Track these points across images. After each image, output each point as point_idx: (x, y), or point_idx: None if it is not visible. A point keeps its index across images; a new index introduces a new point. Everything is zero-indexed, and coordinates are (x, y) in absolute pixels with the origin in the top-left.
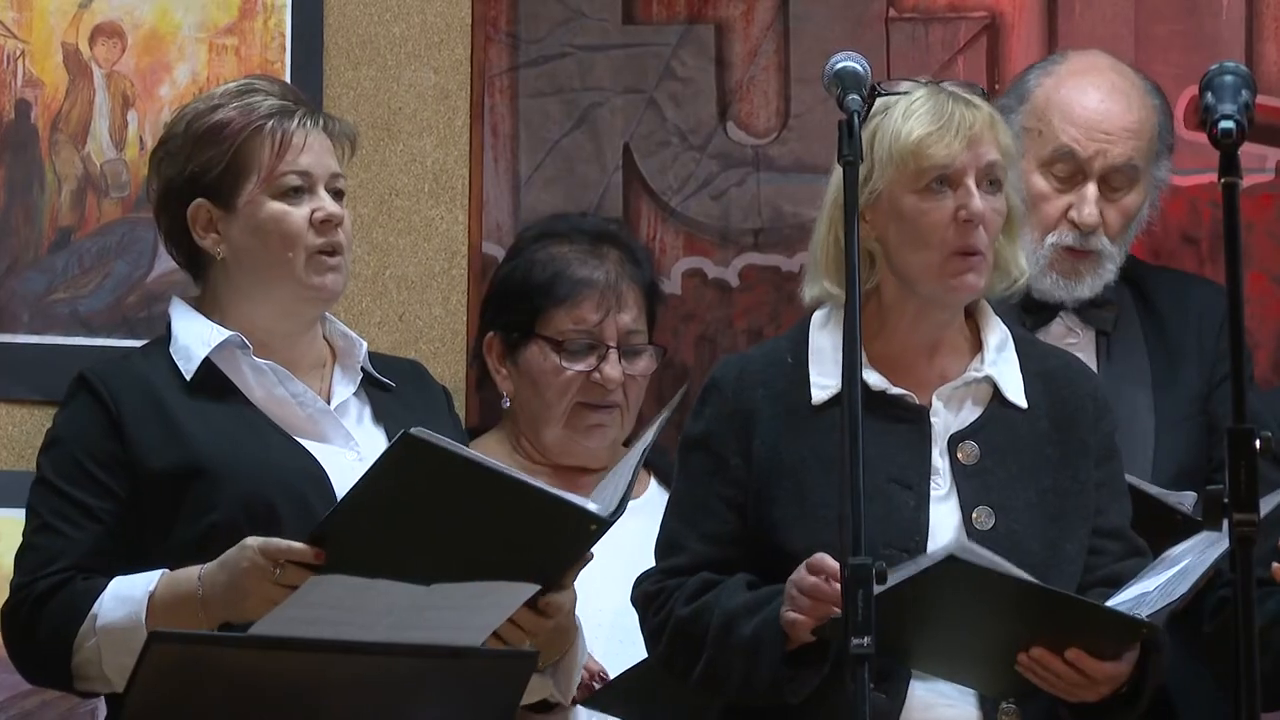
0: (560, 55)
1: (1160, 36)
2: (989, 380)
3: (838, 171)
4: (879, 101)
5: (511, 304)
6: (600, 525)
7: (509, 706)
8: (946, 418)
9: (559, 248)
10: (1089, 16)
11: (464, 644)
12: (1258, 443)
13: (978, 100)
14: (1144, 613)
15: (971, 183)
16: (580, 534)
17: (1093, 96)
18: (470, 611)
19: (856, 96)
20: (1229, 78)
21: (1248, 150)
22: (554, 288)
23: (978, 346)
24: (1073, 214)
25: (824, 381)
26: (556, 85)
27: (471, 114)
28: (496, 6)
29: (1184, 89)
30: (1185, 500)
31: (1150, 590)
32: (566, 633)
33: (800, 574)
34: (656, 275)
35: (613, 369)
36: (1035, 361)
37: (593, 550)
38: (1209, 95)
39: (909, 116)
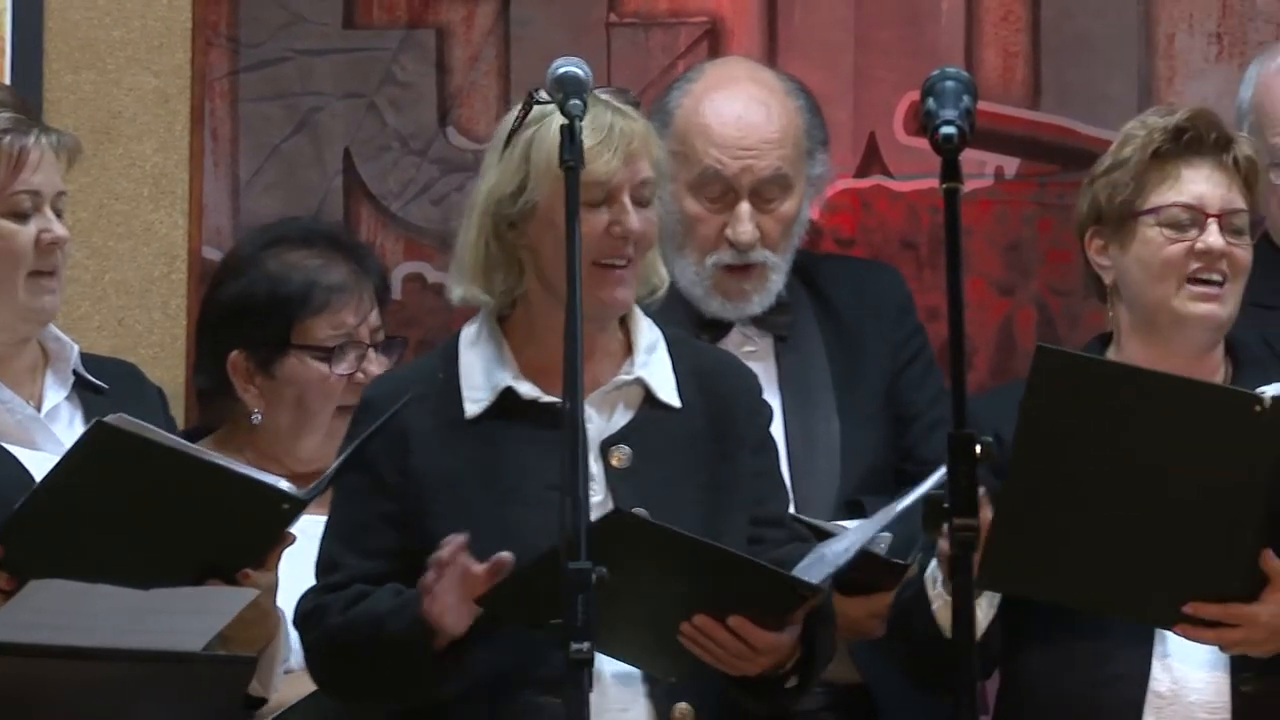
0: (281, 59)
1: (881, 42)
2: (640, 383)
3: (487, 173)
4: (535, 110)
5: (261, 319)
6: (294, 505)
7: (229, 710)
8: (599, 423)
9: (295, 256)
10: (808, 21)
11: (185, 648)
12: (978, 448)
13: (633, 112)
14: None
15: (626, 199)
16: (276, 513)
17: (730, 113)
18: (190, 616)
19: (578, 101)
20: (950, 83)
21: (967, 155)
22: (309, 297)
23: (629, 350)
24: (729, 233)
25: (476, 395)
26: (277, 89)
27: (192, 118)
28: (217, 10)
29: (904, 94)
30: (883, 541)
31: (819, 563)
32: (267, 619)
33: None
34: (385, 273)
35: (376, 367)
36: (688, 361)
37: (293, 531)
38: (930, 100)
39: None
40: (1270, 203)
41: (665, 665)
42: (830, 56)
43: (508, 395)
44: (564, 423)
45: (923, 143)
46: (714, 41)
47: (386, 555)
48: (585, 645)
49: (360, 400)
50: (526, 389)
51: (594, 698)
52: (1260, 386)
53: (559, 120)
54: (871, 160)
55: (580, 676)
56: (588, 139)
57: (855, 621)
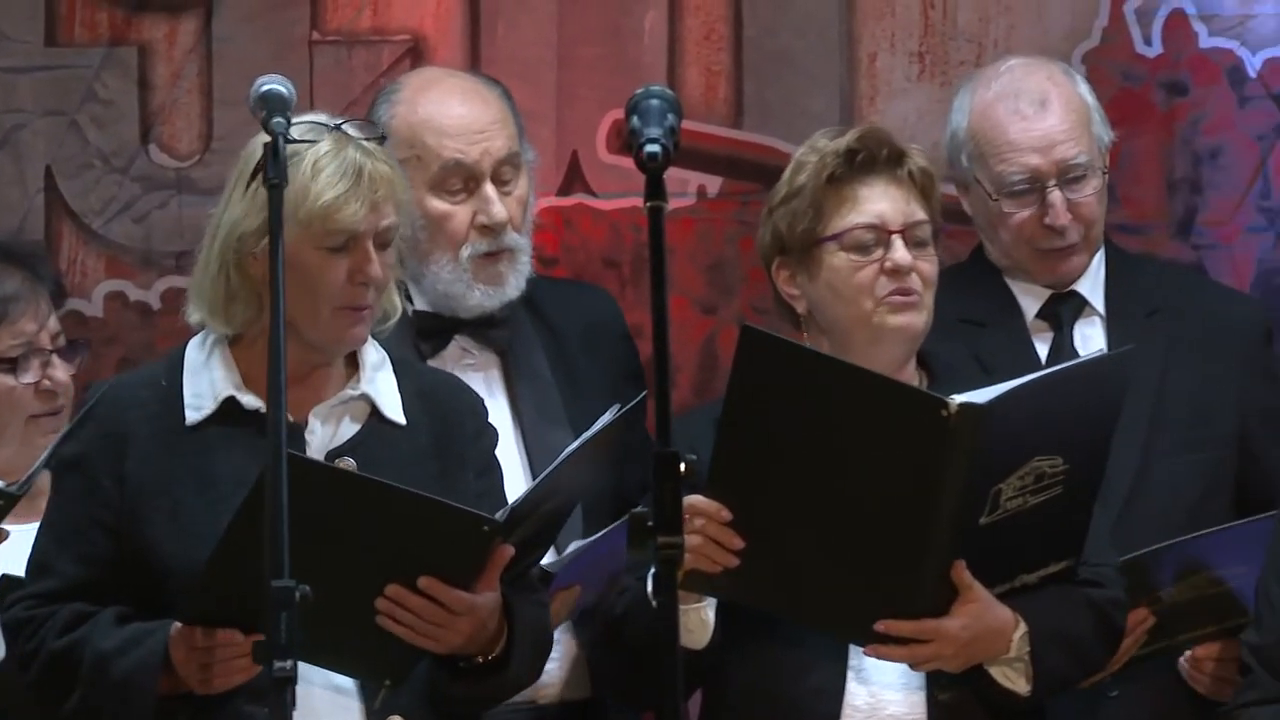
0: None
1: (584, 59)
2: (366, 398)
3: (229, 203)
4: (289, 148)
5: None
6: (7, 500)
7: None
8: (324, 434)
9: None
10: (511, 39)
11: None
12: (682, 466)
13: (380, 152)
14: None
15: (370, 245)
16: None
17: (454, 104)
18: None
19: (282, 119)
20: (655, 101)
21: (670, 174)
22: None
23: (356, 368)
24: (481, 218)
25: (198, 403)
26: None
27: None
28: None
29: (607, 112)
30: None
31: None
32: None
33: None
34: (59, 275)
35: (61, 372)
36: (414, 381)
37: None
38: (635, 119)
39: (317, 174)
40: (997, 230)
41: (374, 667)
42: (533, 74)
43: (230, 405)
44: (269, 434)
45: (626, 161)
46: (416, 59)
47: (100, 562)
48: (289, 664)
49: (85, 402)
50: (249, 400)
51: (305, 711)
52: (954, 396)
53: (310, 161)
54: (574, 178)
55: (284, 695)
56: (335, 185)
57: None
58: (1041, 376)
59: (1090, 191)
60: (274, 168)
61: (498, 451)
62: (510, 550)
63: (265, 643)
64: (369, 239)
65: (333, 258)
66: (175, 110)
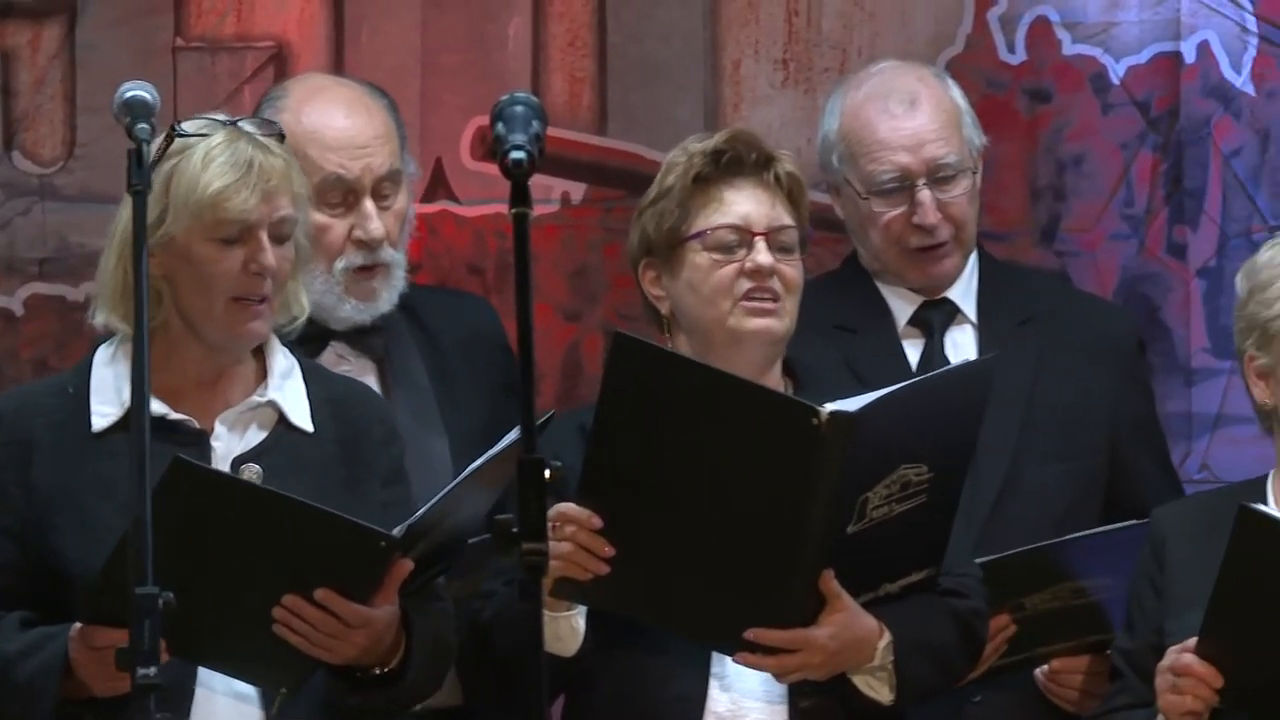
0: None
1: (447, 67)
2: (273, 405)
3: (128, 202)
4: (178, 141)
5: None
6: None
7: None
8: (230, 441)
9: None
10: (375, 45)
11: None
12: (547, 472)
13: (276, 147)
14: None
15: (264, 235)
16: None
17: (337, 117)
18: None
19: (145, 125)
20: (520, 108)
21: (534, 181)
22: None
23: (264, 374)
24: (358, 233)
25: (105, 410)
26: None
27: None
28: None
29: (471, 119)
30: None
31: None
32: None
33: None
34: None
35: None
36: (323, 388)
37: None
38: (500, 125)
39: (208, 165)
40: (868, 232)
41: (271, 674)
42: (397, 81)
43: None
44: (131, 439)
45: (490, 168)
46: (280, 65)
47: (6, 569)
48: (152, 670)
49: None
50: (156, 406)
51: (207, 715)
52: (825, 404)
53: (201, 152)
54: (438, 185)
55: (146, 703)
56: (225, 175)
57: None
58: (910, 384)
59: (960, 191)
60: (138, 174)
61: None
62: (408, 565)
63: (128, 650)
64: (262, 229)
65: (226, 249)
66: (39, 116)
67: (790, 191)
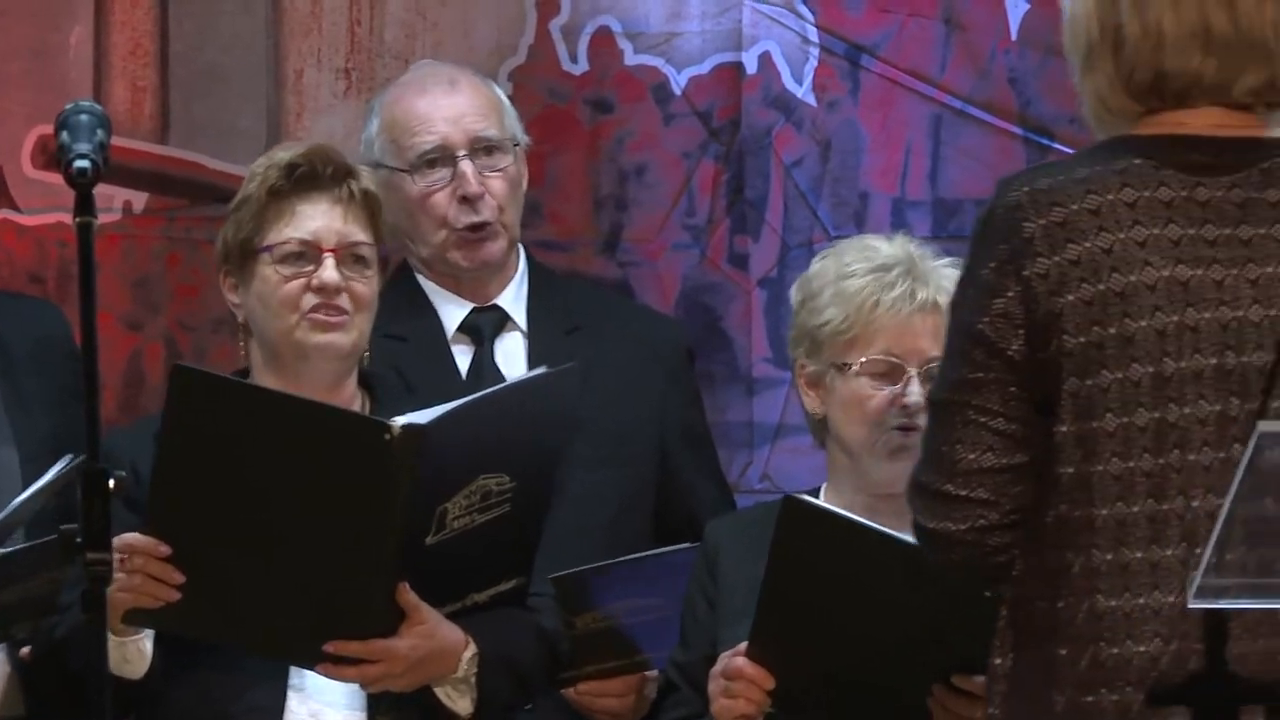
0: None
1: (9, 75)
2: None
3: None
4: None
5: None
6: None
7: None
8: None
9: None
10: None
11: None
12: (111, 482)
13: None
14: None
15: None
16: None
17: None
18: None
19: None
20: (84, 117)
21: (96, 190)
22: None
23: None
24: None
25: None
26: None
27: None
28: None
29: (33, 127)
30: None
31: None
32: None
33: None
34: None
35: None
36: None
37: None
38: (64, 134)
39: None
40: (417, 222)
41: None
42: None
43: None
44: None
45: (52, 176)
46: None
47: None
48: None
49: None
50: None
51: None
52: (396, 418)
53: None
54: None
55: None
56: None
57: None
58: (485, 395)
59: (502, 166)
60: None
61: None
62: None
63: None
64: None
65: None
66: None
67: (367, 207)
